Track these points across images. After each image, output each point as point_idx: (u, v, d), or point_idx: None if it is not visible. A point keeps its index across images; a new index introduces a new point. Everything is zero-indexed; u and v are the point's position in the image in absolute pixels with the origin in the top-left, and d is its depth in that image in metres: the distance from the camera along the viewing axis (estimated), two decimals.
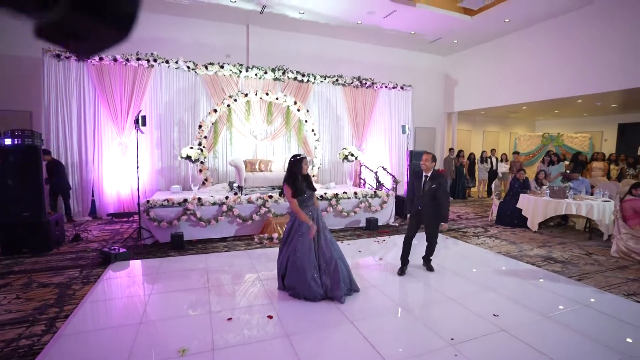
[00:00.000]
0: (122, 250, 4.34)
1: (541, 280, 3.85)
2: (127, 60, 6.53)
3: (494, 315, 2.96)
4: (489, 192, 10.35)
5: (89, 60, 6.38)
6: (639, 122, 10.69)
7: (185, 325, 2.75)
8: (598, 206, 5.57)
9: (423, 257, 4.15)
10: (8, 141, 4.42)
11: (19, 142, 4.44)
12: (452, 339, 2.58)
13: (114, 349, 2.41)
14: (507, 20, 8.29)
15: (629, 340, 2.63)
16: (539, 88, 8.56)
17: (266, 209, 5.47)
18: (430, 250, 4.07)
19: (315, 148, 7.60)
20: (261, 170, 6.36)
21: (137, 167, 5.31)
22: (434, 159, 3.90)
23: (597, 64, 7.32)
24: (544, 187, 6.46)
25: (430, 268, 4.08)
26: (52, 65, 6.21)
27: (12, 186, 4.45)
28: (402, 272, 3.95)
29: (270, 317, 2.88)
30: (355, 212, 6.09)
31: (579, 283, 3.76)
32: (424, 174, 3.88)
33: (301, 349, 2.43)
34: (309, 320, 2.88)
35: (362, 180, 7.94)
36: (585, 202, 5.65)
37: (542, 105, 9.85)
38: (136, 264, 4.22)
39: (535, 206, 6.07)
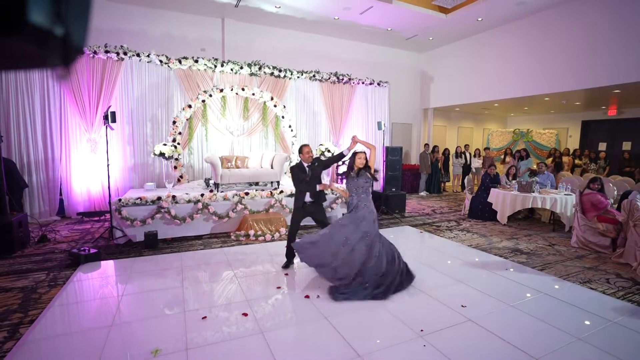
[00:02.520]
0: (92, 250, 4.20)
1: (507, 270, 4.04)
2: (95, 52, 6.26)
3: (462, 306, 3.10)
4: (463, 187, 10.69)
5: None
6: (600, 119, 11.32)
7: (158, 326, 2.72)
8: (561, 199, 5.89)
9: None
10: None
11: None
12: (421, 330, 2.68)
13: (82, 354, 2.35)
14: (479, 19, 8.53)
15: (586, 322, 2.83)
16: (509, 86, 8.89)
17: (242, 206, 5.44)
18: None
19: (293, 144, 7.58)
20: (237, 167, 6.30)
21: (108, 164, 5.13)
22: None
23: (561, 64, 7.68)
24: (514, 181, 6.76)
25: None
26: None
27: None
28: (287, 265, 4.02)
29: (245, 314, 2.89)
30: (332, 208, 6.15)
31: (542, 273, 3.99)
32: (305, 165, 4.05)
33: (275, 345, 2.46)
34: (284, 317, 2.92)
35: (340, 177, 8.00)
36: (549, 195, 5.95)
37: (513, 103, 10.24)
38: (108, 265, 4.11)
39: (504, 200, 6.34)
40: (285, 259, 4.06)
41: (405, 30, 9.30)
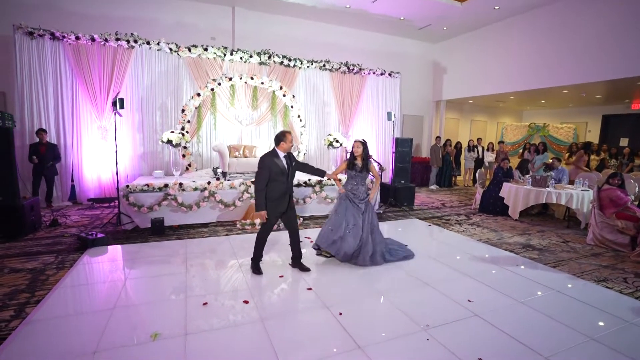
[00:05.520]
0: (100, 235, 4.25)
1: (518, 266, 3.92)
2: (106, 40, 6.28)
3: (468, 300, 3.01)
4: (475, 181, 10.46)
5: (65, 39, 6.11)
6: (623, 113, 10.85)
7: (159, 310, 2.72)
8: (577, 195, 5.68)
9: (294, 257, 3.61)
10: None
11: None
12: (427, 324, 2.60)
13: (84, 335, 2.37)
14: (496, 7, 8.22)
15: (601, 322, 2.71)
16: (526, 77, 8.57)
17: (249, 195, 5.41)
18: (299, 246, 3.60)
19: (302, 134, 7.51)
20: (245, 156, 6.27)
21: (116, 151, 5.17)
22: None
23: (582, 54, 7.34)
24: (527, 175, 6.55)
25: (305, 267, 3.58)
26: (25, 43, 5.92)
27: None
28: (260, 270, 3.50)
29: (246, 302, 2.87)
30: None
31: (554, 270, 3.84)
32: (282, 155, 3.34)
33: (274, 333, 2.43)
34: (285, 305, 2.88)
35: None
36: (565, 191, 5.74)
37: (529, 95, 9.90)
38: (114, 250, 4.15)
39: (516, 195, 6.15)
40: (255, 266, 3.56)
41: (418, 19, 9.04)
